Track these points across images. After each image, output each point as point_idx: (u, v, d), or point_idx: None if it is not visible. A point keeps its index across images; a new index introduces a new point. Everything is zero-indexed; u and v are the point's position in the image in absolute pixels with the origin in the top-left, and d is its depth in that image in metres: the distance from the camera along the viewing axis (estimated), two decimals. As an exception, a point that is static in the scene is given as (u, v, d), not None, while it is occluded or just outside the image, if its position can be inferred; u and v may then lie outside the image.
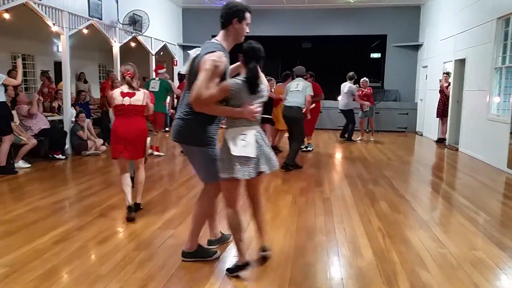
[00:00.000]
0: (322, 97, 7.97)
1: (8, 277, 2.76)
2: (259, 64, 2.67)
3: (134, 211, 3.99)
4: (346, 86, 9.64)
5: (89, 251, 3.23)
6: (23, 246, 3.28)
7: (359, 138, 10.05)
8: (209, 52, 2.61)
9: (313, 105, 7.33)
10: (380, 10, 12.67)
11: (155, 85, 7.32)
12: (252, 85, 2.64)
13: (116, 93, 4.07)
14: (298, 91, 6.39)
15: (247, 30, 2.79)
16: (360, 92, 9.77)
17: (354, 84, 9.71)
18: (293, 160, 6.38)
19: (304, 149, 8.12)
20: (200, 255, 3.03)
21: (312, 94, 6.56)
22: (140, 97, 4.08)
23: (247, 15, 2.75)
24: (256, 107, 2.63)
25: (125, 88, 4.07)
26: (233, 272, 2.80)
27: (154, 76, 8.51)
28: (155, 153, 7.48)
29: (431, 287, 2.71)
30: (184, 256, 3.02)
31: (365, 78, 10.12)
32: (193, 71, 2.68)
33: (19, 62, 6.25)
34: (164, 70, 7.80)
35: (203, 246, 3.11)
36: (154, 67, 10.07)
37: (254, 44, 2.69)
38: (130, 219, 3.91)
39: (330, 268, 2.98)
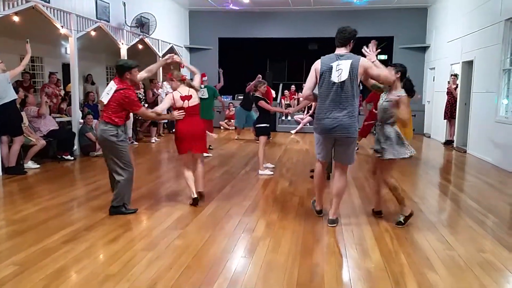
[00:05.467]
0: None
1: (18, 275, 2.79)
2: None
3: (198, 200, 4.50)
4: None
5: (97, 251, 3.25)
6: (33, 245, 3.32)
7: None
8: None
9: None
10: (387, 12, 12.65)
11: (204, 93, 7.41)
12: None
13: (176, 97, 4.37)
14: None
15: None
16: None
17: None
18: None
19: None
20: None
21: None
22: (196, 98, 4.51)
23: None
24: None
25: (183, 92, 4.40)
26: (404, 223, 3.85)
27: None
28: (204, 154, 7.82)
29: (440, 289, 2.70)
30: (334, 223, 3.90)
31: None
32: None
33: (28, 47, 6.29)
34: (206, 78, 8.00)
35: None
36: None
37: None
38: (195, 204, 4.44)
39: (337, 269, 2.98)
